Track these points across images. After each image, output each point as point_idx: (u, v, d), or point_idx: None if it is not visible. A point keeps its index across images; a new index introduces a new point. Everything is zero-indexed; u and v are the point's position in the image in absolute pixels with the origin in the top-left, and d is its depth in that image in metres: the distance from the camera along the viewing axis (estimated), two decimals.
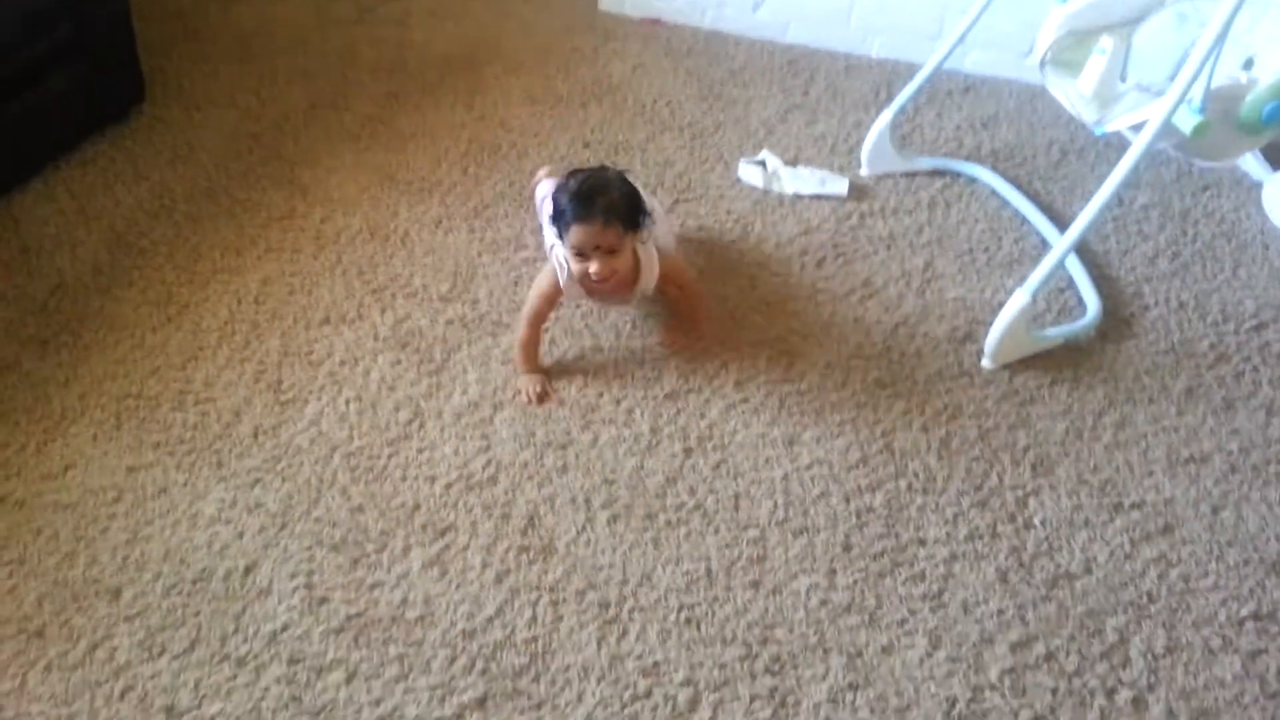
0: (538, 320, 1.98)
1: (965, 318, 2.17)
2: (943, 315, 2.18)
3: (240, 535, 1.69)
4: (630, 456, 1.86)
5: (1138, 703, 1.50)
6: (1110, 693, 1.52)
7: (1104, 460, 1.90)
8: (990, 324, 2.07)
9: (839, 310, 2.18)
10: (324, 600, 1.59)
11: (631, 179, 1.88)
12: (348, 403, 1.94)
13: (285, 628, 1.55)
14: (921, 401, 1.99)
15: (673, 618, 1.59)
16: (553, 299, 1.96)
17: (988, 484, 1.84)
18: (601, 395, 1.98)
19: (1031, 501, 1.81)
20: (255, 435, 1.87)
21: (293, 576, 1.62)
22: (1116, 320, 2.19)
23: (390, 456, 1.84)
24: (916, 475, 1.85)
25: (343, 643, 1.53)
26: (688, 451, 1.87)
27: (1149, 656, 1.57)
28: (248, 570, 1.63)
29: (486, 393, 1.98)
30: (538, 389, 1.96)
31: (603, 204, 1.78)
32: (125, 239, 2.29)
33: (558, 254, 1.92)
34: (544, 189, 2.24)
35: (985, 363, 2.08)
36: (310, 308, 2.16)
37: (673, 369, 2.03)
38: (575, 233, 1.79)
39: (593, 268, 1.82)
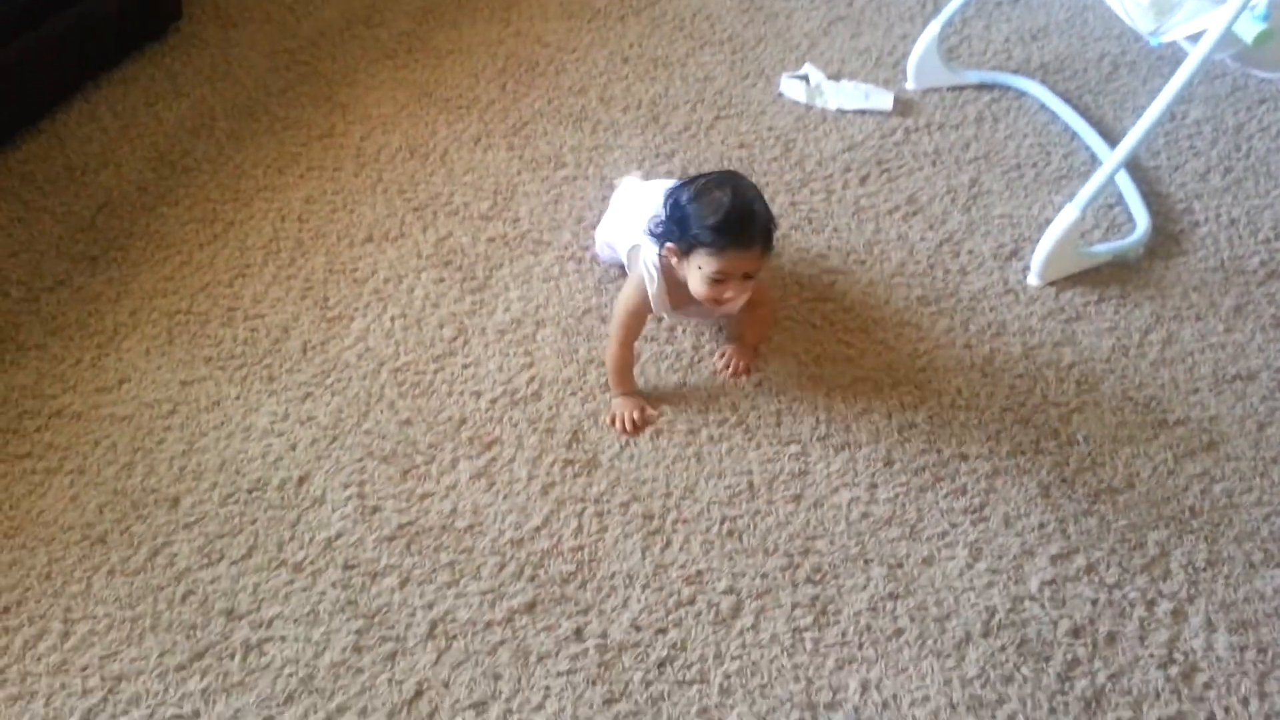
0: (629, 339, 1.79)
1: (1012, 234, 2.14)
2: (988, 232, 2.15)
3: (293, 447, 1.73)
4: (673, 373, 1.87)
5: (1177, 614, 1.52)
6: (1150, 604, 1.53)
7: (1149, 377, 1.88)
8: (1037, 241, 2.04)
9: (882, 227, 2.16)
10: (376, 509, 1.63)
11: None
12: (393, 319, 1.96)
13: (339, 535, 1.60)
14: (965, 319, 1.98)
15: (715, 529, 1.62)
16: (644, 316, 1.78)
17: (1031, 400, 1.83)
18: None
19: (1075, 418, 1.81)
20: (304, 351, 1.90)
21: (345, 487, 1.66)
22: (1166, 237, 2.15)
23: (436, 372, 1.86)
24: (959, 392, 1.84)
25: (395, 550, 1.58)
26: (713, 370, 1.88)
27: (1189, 569, 1.58)
28: (301, 480, 1.68)
29: (529, 310, 1.99)
30: (635, 414, 1.76)
31: (758, 231, 1.62)
32: (168, 157, 2.30)
33: (646, 264, 1.74)
34: (629, 188, 2.03)
35: (1031, 280, 2.06)
36: (353, 226, 2.17)
37: None
38: (726, 260, 1.61)
39: (729, 294, 1.65)
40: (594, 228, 2.08)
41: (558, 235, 2.15)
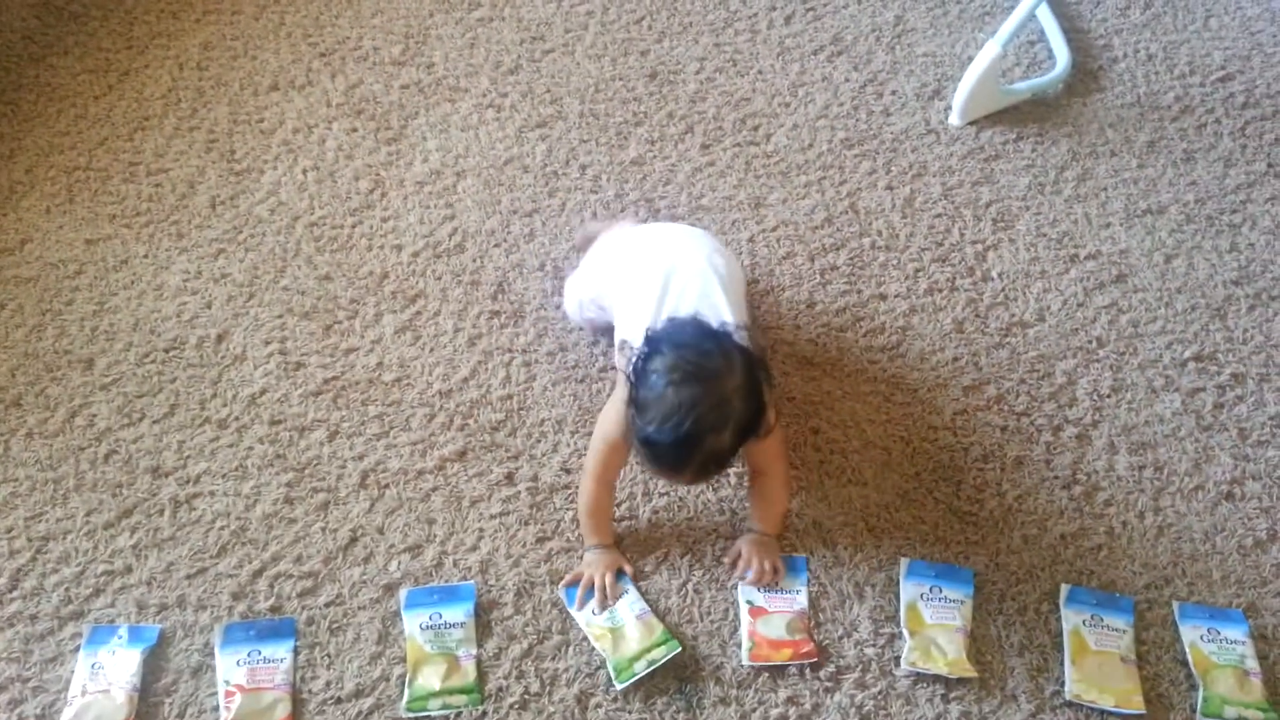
0: (609, 476, 1.42)
1: (935, 74, 2.13)
2: (912, 71, 2.13)
3: (209, 305, 1.69)
4: (597, 222, 1.85)
5: (1081, 438, 1.60)
6: (1056, 430, 1.61)
7: (1063, 213, 1.92)
8: (960, 79, 2.03)
9: (807, 68, 2.13)
10: (299, 365, 1.62)
11: (748, 346, 1.30)
12: (305, 172, 1.90)
13: (263, 392, 1.58)
14: (888, 160, 1.98)
15: None
16: (625, 452, 1.39)
17: (949, 240, 1.86)
18: (568, 163, 1.94)
19: (990, 255, 1.84)
20: (213, 206, 1.83)
21: (266, 344, 1.64)
22: (1084, 74, 2.16)
23: (354, 226, 1.82)
24: (880, 234, 1.86)
25: (322, 404, 1.57)
26: (654, 212, 1.86)
27: (1094, 396, 1.65)
28: (220, 339, 1.64)
29: (448, 160, 1.94)
30: (609, 577, 1.38)
31: (695, 465, 1.25)
32: (53, 3, 2.14)
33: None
34: (598, 245, 1.66)
35: (953, 119, 2.06)
36: (256, 73, 2.06)
37: (640, 136, 2.00)
38: (655, 471, 1.35)
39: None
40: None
41: (475, 81, 2.08)
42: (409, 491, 1.48)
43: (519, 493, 1.49)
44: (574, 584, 1.39)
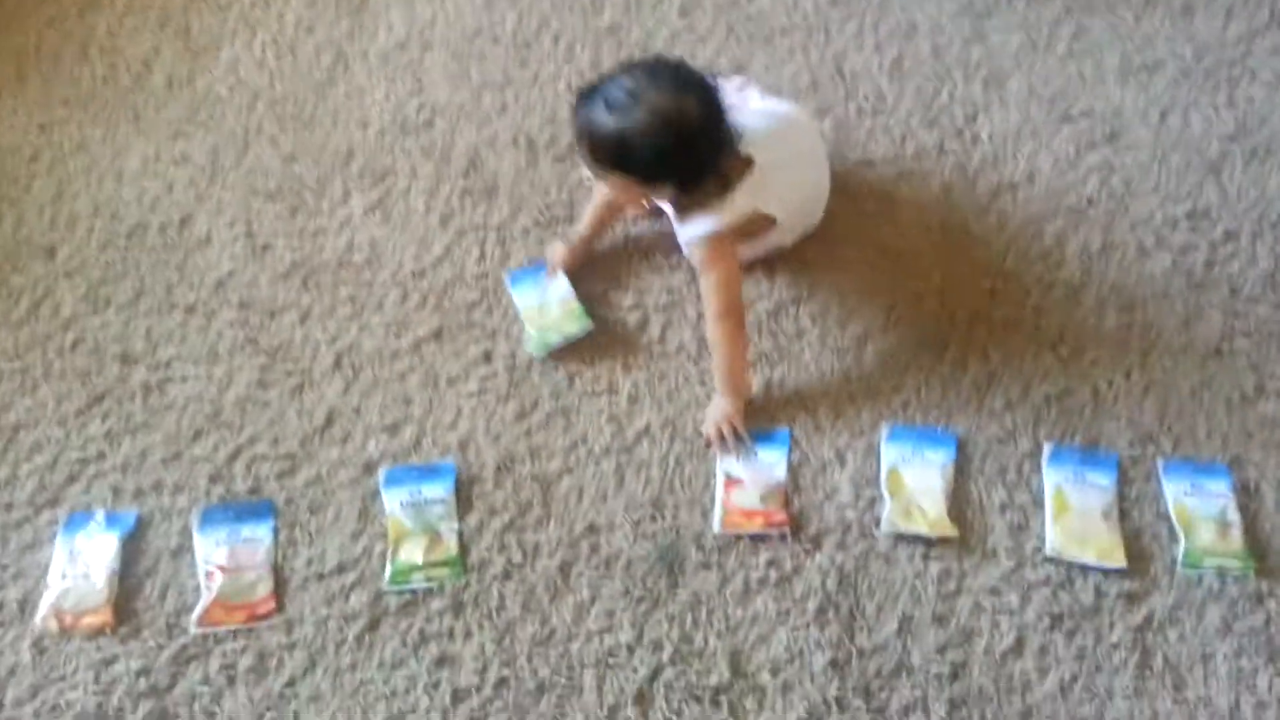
0: (742, 318, 1.44)
1: None
2: None
3: (170, 188, 1.63)
4: (572, 93, 1.77)
5: (1069, 298, 1.56)
6: (1046, 290, 1.57)
7: (1057, 72, 1.85)
8: None
9: None
10: (267, 247, 1.57)
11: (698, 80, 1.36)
12: (264, 47, 1.82)
13: (231, 274, 1.54)
14: (875, 20, 1.90)
15: (621, 248, 1.59)
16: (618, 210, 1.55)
17: (937, 102, 1.79)
18: (540, 32, 1.86)
19: (980, 117, 1.78)
20: (170, 86, 1.76)
21: (231, 225, 1.59)
22: None
23: (317, 103, 1.75)
24: (866, 98, 1.79)
25: (291, 287, 1.53)
26: None
27: (1084, 256, 1.61)
28: (183, 222, 1.60)
29: (413, 32, 1.85)
30: (740, 424, 1.40)
31: (577, 126, 1.37)
32: None
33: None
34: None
35: None
36: None
37: (608, 6, 1.91)
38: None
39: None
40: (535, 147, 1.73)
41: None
42: (385, 372, 1.45)
43: (496, 371, 1.46)
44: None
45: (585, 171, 1.51)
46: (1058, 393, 1.47)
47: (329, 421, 1.41)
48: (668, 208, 1.47)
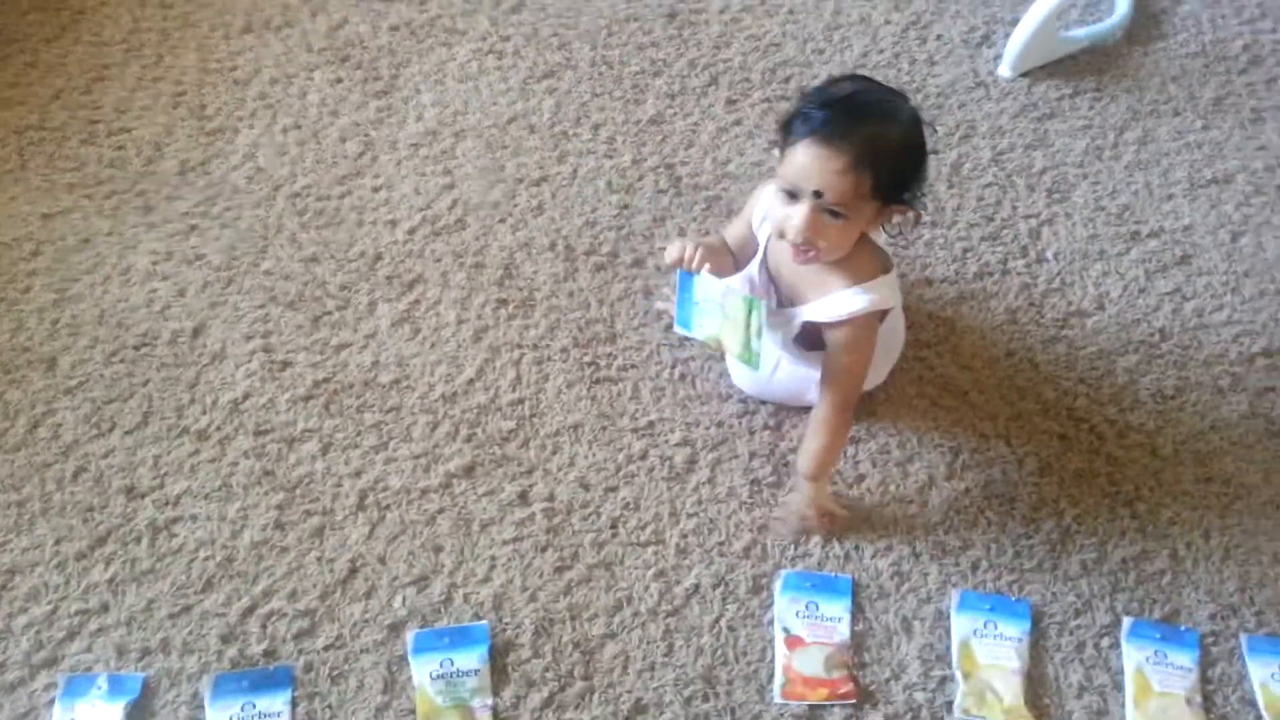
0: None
1: (984, 16, 1.93)
2: (959, 13, 1.93)
3: (182, 293, 1.52)
4: (613, 193, 1.67)
5: (1144, 446, 1.46)
6: (1120, 436, 1.47)
7: (1123, 183, 1.75)
8: (1011, 22, 1.84)
9: (843, 8, 1.92)
10: (286, 364, 1.46)
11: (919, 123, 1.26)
12: (285, 132, 1.70)
13: (247, 396, 1.42)
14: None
15: (666, 374, 1.48)
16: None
17: (1000, 214, 1.70)
18: (579, 122, 1.75)
19: (1045, 231, 1.68)
20: (183, 173, 1.64)
21: (248, 339, 1.47)
22: (1146, 18, 1.97)
23: (342, 197, 1.63)
24: (925, 205, 1.69)
25: (312, 411, 1.42)
26: (675, 180, 1.68)
27: (1158, 397, 1.51)
28: (196, 333, 1.48)
29: (445, 117, 1.74)
30: (835, 508, 1.35)
31: (851, 128, 1.17)
32: None
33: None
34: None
35: (1003, 70, 1.87)
36: (227, 11, 1.85)
37: (658, 89, 1.80)
38: (802, 152, 1.19)
39: (795, 222, 1.21)
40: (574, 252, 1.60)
41: (474, 21, 1.87)
42: (413, 514, 1.34)
43: (534, 514, 1.35)
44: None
45: (647, 284, 1.40)
46: (1135, 555, 1.37)
47: (352, 572, 1.29)
48: (821, 273, 1.29)
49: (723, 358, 1.48)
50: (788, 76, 1.84)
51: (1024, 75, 1.87)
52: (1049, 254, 1.66)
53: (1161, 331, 1.59)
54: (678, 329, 1.35)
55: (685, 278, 1.31)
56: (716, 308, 1.29)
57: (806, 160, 1.20)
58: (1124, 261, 1.66)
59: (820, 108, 1.20)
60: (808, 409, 1.42)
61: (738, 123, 1.77)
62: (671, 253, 1.32)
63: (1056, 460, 1.45)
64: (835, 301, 1.28)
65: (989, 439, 1.46)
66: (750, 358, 1.27)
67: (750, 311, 1.25)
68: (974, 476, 1.43)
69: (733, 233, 1.43)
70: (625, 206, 1.65)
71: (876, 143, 1.18)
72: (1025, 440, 1.46)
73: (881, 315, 1.33)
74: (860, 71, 1.84)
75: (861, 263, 1.30)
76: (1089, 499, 1.41)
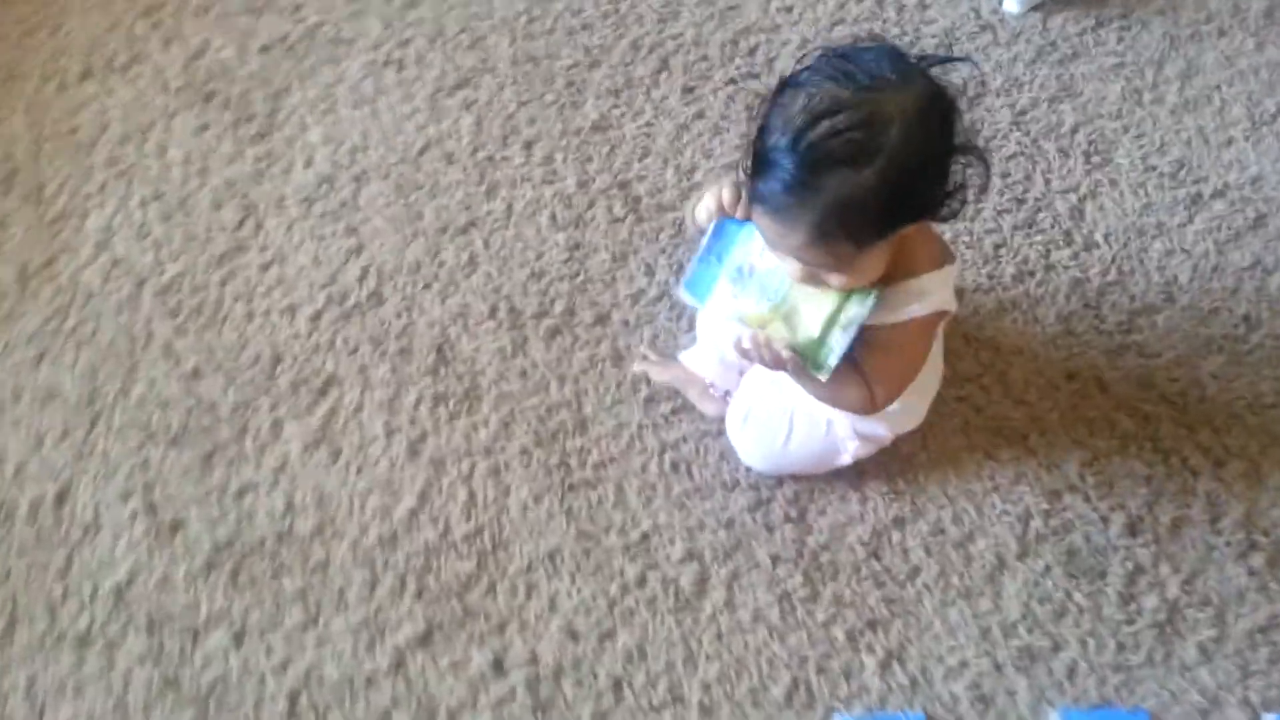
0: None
1: None
2: None
3: (38, 444, 1.20)
4: (559, 230, 1.35)
5: (1247, 477, 1.19)
6: (1217, 466, 1.19)
7: (1171, 132, 1.45)
8: None
9: None
10: (177, 526, 1.15)
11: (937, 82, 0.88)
12: (144, 205, 1.37)
13: (132, 578, 1.12)
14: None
15: (654, 466, 1.19)
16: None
17: (1031, 192, 1.39)
18: (507, 141, 1.42)
19: (1089, 208, 1.38)
20: (23, 281, 1.31)
21: (125, 497, 1.16)
22: None
23: (224, 283, 1.31)
24: (960, 206, 1.38)
25: (217, 586, 1.12)
26: (633, 201, 1.37)
27: (1255, 409, 1.23)
28: (60, 498, 1.17)
29: (341, 159, 1.41)
30: None
31: (826, 197, 0.84)
32: None
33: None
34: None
35: (1010, 6, 1.54)
36: (61, 54, 1.50)
37: (598, 84, 1.46)
38: (756, 216, 0.91)
39: (790, 270, 0.93)
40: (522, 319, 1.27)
41: (362, 26, 1.52)
42: (360, 712, 1.05)
43: (513, 688, 1.06)
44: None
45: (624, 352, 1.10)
46: (1262, 625, 1.11)
47: None
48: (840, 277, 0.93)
49: (720, 431, 1.18)
50: (753, 47, 1.51)
51: (1035, 9, 1.54)
52: (1098, 236, 1.36)
53: (1247, 320, 1.30)
54: (683, 294, 1.00)
55: (723, 229, 0.97)
56: (760, 280, 0.96)
57: (766, 230, 0.91)
58: (1188, 234, 1.36)
59: (761, 161, 0.87)
60: (835, 483, 1.14)
61: (699, 115, 1.45)
62: (708, 203, 0.98)
63: (1147, 511, 1.17)
64: (884, 308, 0.96)
65: (1061, 495, 1.18)
66: (820, 353, 0.94)
67: (847, 300, 0.93)
68: (1052, 549, 1.15)
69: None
70: (576, 246, 1.34)
71: (845, 204, 0.84)
72: (1106, 490, 1.18)
73: (939, 318, 1.02)
74: (839, 30, 1.51)
75: (912, 254, 0.96)
76: (1193, 556, 1.14)
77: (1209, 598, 1.12)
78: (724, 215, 0.97)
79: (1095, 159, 1.42)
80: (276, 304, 1.29)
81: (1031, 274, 1.33)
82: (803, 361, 0.95)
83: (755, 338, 0.95)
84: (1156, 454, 1.20)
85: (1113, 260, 1.34)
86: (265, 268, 1.32)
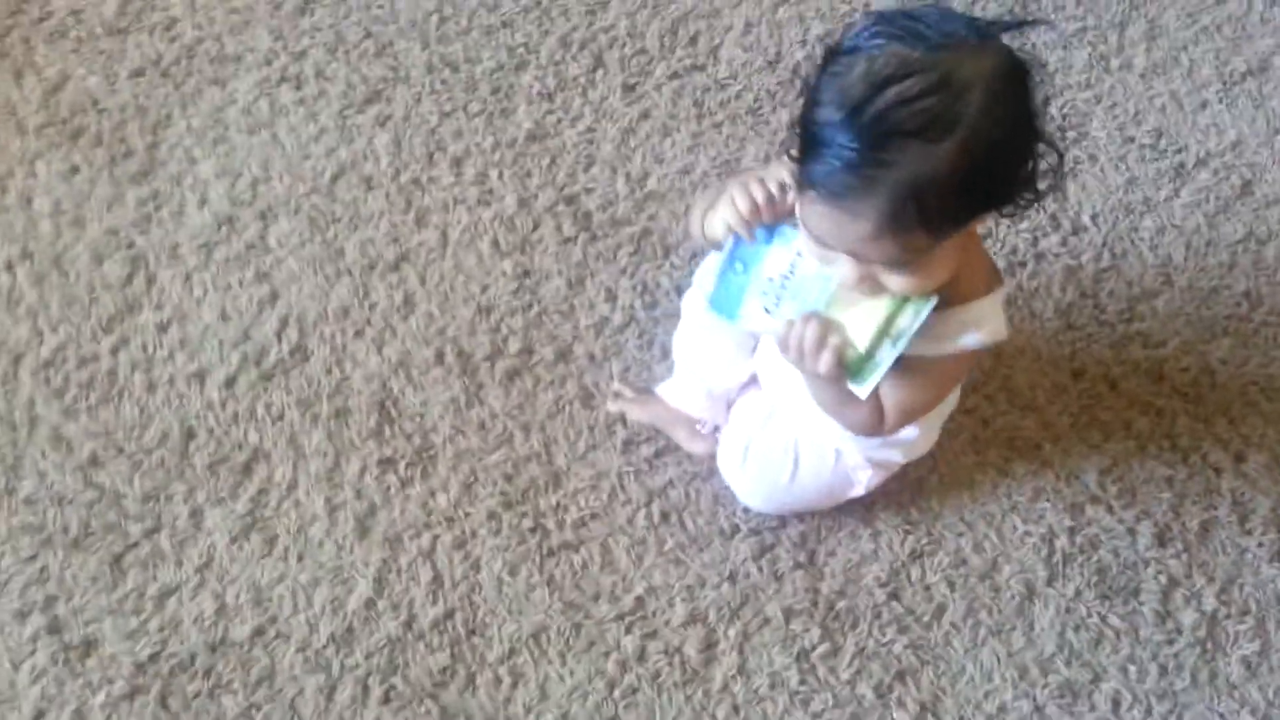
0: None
1: None
2: None
3: None
4: (504, 257, 1.20)
5: (1272, 468, 1.11)
6: (1236, 460, 1.11)
7: (1144, 99, 1.37)
8: None
9: None
10: (90, 645, 0.97)
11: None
12: (11, 268, 1.17)
13: (41, 714, 0.93)
14: None
15: (641, 517, 1.05)
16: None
17: None
18: (432, 159, 1.26)
19: (1072, 188, 1.28)
20: None
21: (22, 616, 0.98)
22: None
23: (115, 352, 1.12)
24: (1034, 198, 1.27)
25: (144, 714, 0.94)
26: (583, 217, 1.22)
27: (1269, 394, 1.16)
28: None
29: (240, 193, 1.23)
30: None
31: (899, 174, 0.70)
32: None
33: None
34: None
35: None
36: None
37: (527, 88, 1.31)
38: (810, 208, 0.75)
39: (844, 274, 0.78)
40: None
41: (248, 38, 1.35)
42: None
43: None
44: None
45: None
46: None
47: None
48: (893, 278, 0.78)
49: (711, 472, 1.06)
50: (693, 35, 1.37)
51: None
52: (1085, 218, 1.27)
53: (1248, 297, 1.22)
54: (710, 311, 0.86)
55: (758, 235, 0.85)
56: (796, 290, 0.83)
57: (821, 221, 0.76)
58: (1176, 208, 1.28)
59: (822, 144, 0.74)
60: (843, 519, 1.02)
61: (645, 116, 1.31)
62: (725, 214, 0.84)
63: (1174, 517, 1.08)
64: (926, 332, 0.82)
65: (1083, 509, 1.08)
66: (865, 367, 0.82)
67: (900, 308, 0.80)
68: (1081, 570, 1.05)
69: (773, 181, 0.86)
70: (526, 274, 1.19)
71: (921, 184, 0.70)
72: (1129, 499, 1.09)
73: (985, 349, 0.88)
74: (783, 10, 1.39)
75: (961, 274, 0.82)
76: (1225, 562, 1.06)
77: (1247, 605, 1.04)
78: (747, 221, 0.83)
79: (1070, 134, 1.32)
80: (181, 370, 1.11)
81: (1023, 264, 1.23)
82: (855, 372, 0.82)
83: (812, 321, 0.81)
84: (1175, 453, 1.12)
85: (1104, 243, 1.25)
86: (163, 328, 1.13)
